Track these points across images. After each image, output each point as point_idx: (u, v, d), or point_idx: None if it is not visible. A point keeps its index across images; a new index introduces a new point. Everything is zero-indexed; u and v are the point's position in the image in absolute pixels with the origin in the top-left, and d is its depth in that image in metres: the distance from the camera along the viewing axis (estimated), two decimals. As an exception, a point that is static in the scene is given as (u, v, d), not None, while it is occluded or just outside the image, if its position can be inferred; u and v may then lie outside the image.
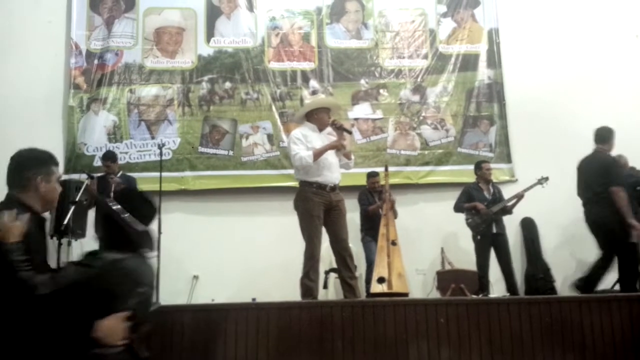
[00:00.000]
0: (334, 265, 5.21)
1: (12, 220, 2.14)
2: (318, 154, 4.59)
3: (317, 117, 4.83)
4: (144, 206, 2.47)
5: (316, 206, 4.60)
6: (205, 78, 7.38)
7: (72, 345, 2.15)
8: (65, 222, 5.47)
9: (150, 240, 2.46)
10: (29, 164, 2.34)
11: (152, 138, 7.13)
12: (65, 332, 2.15)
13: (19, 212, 2.21)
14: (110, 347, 2.20)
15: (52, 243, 5.82)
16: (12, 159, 2.38)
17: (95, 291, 2.19)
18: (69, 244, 5.79)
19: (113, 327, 2.19)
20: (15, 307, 2.12)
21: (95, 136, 7.10)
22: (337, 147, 4.70)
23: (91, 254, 2.36)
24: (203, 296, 6.23)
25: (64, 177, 6.56)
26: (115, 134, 7.15)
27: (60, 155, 6.88)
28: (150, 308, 2.46)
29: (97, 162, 6.91)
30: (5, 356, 2.13)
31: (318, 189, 4.63)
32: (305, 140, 4.69)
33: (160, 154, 6.27)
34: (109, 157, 6.32)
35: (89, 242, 5.89)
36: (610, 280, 6.29)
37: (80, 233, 5.94)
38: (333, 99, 5.20)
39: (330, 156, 4.69)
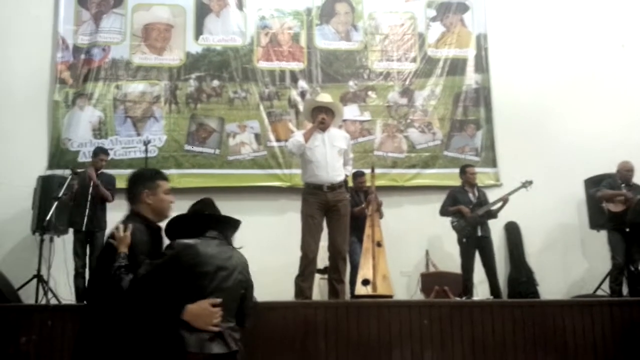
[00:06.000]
0: (322, 266, 5.22)
1: (124, 233, 2.49)
2: (307, 135, 4.82)
3: (313, 117, 4.95)
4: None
5: (310, 206, 4.75)
6: (193, 76, 7.33)
7: (161, 325, 2.35)
8: (48, 218, 5.41)
9: (224, 225, 2.90)
10: (136, 181, 2.70)
11: (138, 135, 7.07)
12: (154, 315, 2.36)
13: (135, 223, 2.55)
14: (201, 331, 2.38)
15: (34, 239, 5.76)
16: (128, 178, 2.75)
17: (174, 274, 2.41)
18: (51, 240, 5.70)
19: (200, 311, 2.40)
20: (109, 302, 2.41)
21: (80, 132, 7.01)
22: (320, 126, 4.84)
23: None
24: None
25: (47, 172, 6.52)
26: (100, 130, 7.08)
27: (44, 151, 6.82)
28: (236, 294, 2.66)
29: (82, 158, 6.83)
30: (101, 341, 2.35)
31: (314, 190, 4.79)
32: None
33: (146, 151, 6.23)
34: (106, 151, 6.18)
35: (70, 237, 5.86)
36: (593, 284, 6.37)
37: (62, 229, 5.85)
38: (329, 99, 5.18)
39: (327, 157, 4.73)
